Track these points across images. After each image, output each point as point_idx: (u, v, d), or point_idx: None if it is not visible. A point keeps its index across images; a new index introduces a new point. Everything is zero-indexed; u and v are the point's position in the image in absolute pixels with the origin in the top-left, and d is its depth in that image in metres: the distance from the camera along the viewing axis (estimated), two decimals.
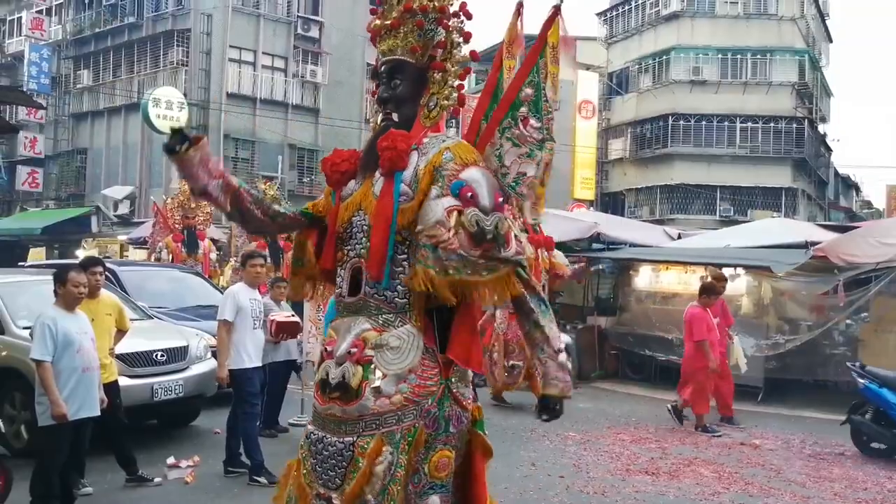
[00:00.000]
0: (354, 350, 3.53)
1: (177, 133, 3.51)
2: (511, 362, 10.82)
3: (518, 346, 10.58)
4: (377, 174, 3.66)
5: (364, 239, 3.62)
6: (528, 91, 3.97)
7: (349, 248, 3.70)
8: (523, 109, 3.94)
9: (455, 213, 3.41)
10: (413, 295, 3.56)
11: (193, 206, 16.38)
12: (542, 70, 4.04)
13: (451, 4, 3.81)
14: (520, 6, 4.33)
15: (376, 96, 3.83)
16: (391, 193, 3.53)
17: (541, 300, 3.58)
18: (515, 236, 3.55)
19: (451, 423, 3.60)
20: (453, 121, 4.23)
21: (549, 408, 3.54)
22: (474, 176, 3.52)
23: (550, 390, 3.53)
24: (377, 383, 3.47)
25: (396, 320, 3.56)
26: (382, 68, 3.80)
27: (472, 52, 4.00)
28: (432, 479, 3.57)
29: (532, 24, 4.26)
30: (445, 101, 3.78)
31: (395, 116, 3.74)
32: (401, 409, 3.47)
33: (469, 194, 3.44)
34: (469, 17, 3.89)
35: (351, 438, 3.48)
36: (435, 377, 3.57)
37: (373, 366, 3.49)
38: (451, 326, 3.64)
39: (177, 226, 16.41)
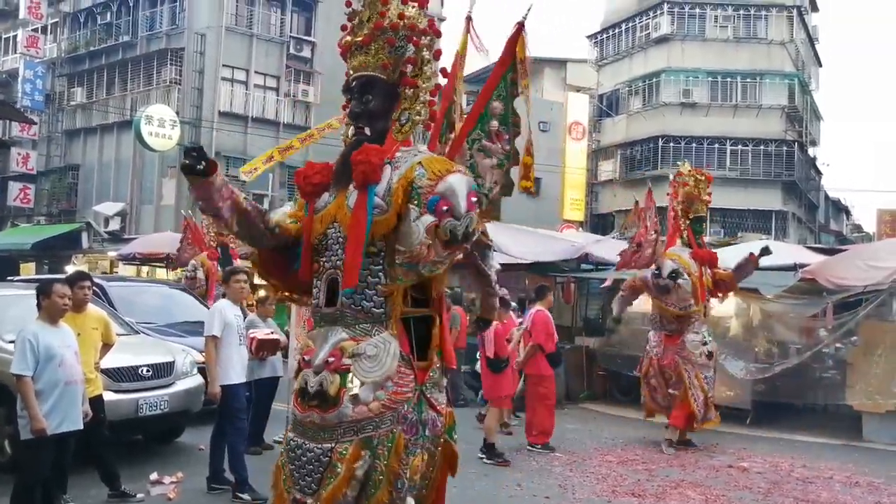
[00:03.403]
0: (332, 359, 3.61)
1: (192, 152, 3.53)
2: (671, 391, 10.22)
3: (675, 373, 10.17)
4: (351, 187, 3.74)
5: (340, 250, 3.70)
6: (497, 104, 4.06)
7: (325, 259, 3.78)
8: (493, 123, 4.04)
9: (433, 229, 3.55)
10: (389, 304, 3.68)
11: None
12: (510, 86, 4.10)
13: (421, 22, 3.89)
14: (468, 19, 4.41)
15: (348, 111, 3.94)
16: (365, 206, 3.61)
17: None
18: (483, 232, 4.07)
19: (427, 427, 3.75)
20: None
21: (483, 328, 4.14)
22: (450, 185, 3.61)
23: (490, 315, 4.72)
24: (355, 391, 3.56)
25: (373, 329, 3.66)
26: (354, 84, 3.90)
27: (443, 70, 4.15)
28: (411, 482, 3.67)
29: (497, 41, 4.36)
30: (417, 117, 3.88)
31: (367, 131, 3.84)
32: (378, 415, 3.58)
33: (445, 208, 3.56)
34: (438, 35, 4.01)
35: (329, 445, 3.57)
36: (410, 384, 3.70)
37: (350, 374, 3.58)
38: (425, 334, 3.85)
39: (211, 243, 14.94)
